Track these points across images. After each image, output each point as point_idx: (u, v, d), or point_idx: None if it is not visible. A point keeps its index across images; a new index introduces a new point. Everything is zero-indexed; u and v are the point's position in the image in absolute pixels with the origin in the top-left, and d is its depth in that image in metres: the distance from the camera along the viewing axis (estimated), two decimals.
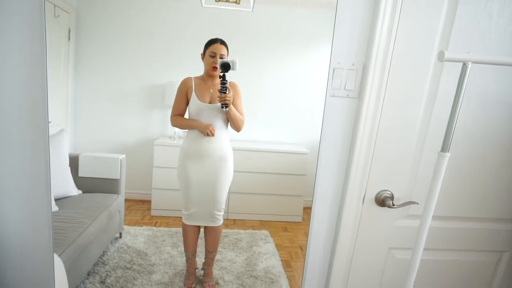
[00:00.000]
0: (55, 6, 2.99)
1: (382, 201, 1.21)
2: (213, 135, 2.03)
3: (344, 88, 1.14)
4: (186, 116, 2.15)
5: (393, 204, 1.19)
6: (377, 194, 1.22)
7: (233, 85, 2.08)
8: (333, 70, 1.12)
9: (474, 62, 0.87)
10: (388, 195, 1.22)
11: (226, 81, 1.93)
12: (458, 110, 0.90)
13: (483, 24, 1.09)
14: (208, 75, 2.07)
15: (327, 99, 1.14)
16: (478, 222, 1.30)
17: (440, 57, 0.86)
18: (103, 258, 2.42)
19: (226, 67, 1.91)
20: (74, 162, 2.55)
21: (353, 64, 1.13)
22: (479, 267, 1.36)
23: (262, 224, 3.40)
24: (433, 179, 0.95)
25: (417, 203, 1.19)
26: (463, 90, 0.88)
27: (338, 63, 1.13)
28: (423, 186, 1.20)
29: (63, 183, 2.39)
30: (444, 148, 0.92)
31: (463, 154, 1.21)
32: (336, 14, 1.07)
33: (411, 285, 1.02)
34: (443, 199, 1.23)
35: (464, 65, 0.88)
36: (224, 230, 3.05)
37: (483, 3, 1.07)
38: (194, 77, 2.11)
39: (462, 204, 1.27)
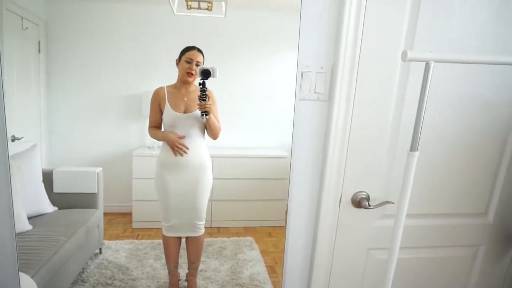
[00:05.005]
0: (22, 18, 2.91)
1: (358, 203, 1.21)
2: (184, 151, 2.00)
3: (314, 92, 1.14)
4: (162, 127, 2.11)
5: (369, 205, 1.19)
6: (353, 196, 1.22)
7: (209, 92, 2.06)
8: (302, 73, 1.12)
9: (436, 61, 0.88)
10: (364, 196, 1.22)
11: (206, 88, 1.90)
12: (424, 109, 0.90)
13: (445, 23, 1.11)
14: (182, 81, 2.04)
15: (297, 103, 1.13)
16: (453, 218, 1.31)
17: (403, 57, 0.87)
18: (83, 276, 2.33)
19: (206, 74, 1.87)
20: (48, 178, 2.47)
21: (321, 67, 1.13)
22: (457, 262, 1.37)
23: (247, 231, 3.38)
24: (404, 178, 0.96)
25: (393, 203, 1.20)
26: (427, 90, 0.89)
27: (307, 66, 1.13)
28: (398, 186, 1.20)
29: (37, 200, 2.30)
30: (413, 147, 0.93)
31: (435, 153, 1.22)
32: (300, 16, 1.07)
33: (389, 285, 1.02)
34: (418, 197, 1.24)
35: (427, 64, 0.88)
36: (208, 239, 3.00)
37: (444, 1, 1.09)
38: (167, 86, 2.08)
39: (436, 201, 1.28)
